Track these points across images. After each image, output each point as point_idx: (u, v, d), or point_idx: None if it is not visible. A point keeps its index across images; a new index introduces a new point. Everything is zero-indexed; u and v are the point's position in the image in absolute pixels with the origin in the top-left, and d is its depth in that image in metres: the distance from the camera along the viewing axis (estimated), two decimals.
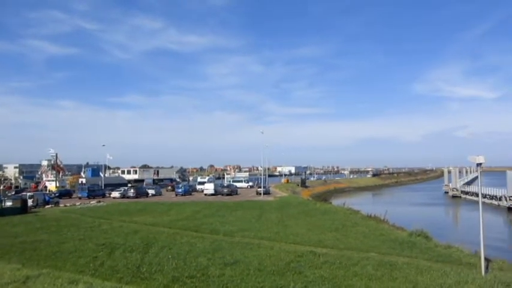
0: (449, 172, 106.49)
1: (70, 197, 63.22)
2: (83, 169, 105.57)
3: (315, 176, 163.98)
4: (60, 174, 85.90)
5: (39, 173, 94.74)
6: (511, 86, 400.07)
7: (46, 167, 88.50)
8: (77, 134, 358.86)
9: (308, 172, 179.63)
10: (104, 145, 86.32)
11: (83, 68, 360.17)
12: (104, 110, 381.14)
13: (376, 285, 13.16)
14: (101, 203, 49.73)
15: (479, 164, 15.47)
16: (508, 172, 64.92)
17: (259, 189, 64.16)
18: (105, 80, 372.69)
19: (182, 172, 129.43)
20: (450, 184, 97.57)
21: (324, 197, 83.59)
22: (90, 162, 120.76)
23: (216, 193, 63.73)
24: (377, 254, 18.58)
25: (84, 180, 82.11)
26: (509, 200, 61.49)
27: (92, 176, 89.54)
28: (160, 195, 67.14)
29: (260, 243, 20.69)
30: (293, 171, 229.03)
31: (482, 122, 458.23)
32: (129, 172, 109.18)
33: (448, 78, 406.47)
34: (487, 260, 16.41)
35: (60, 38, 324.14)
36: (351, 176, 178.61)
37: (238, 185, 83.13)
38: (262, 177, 76.83)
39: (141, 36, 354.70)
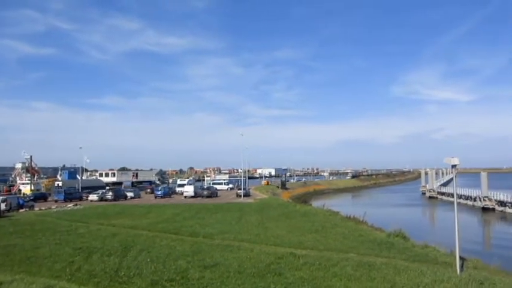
0: (426, 173, 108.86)
1: (45, 201, 61.78)
2: (59, 172, 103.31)
3: (295, 178, 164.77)
4: (35, 177, 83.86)
5: (13, 175, 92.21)
6: (485, 89, 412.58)
7: (20, 170, 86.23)
8: (53, 136, 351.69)
9: (288, 174, 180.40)
10: (81, 147, 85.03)
11: (59, 68, 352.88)
12: (81, 111, 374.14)
13: (355, 286, 13.29)
14: (78, 206, 48.79)
15: (454, 166, 15.81)
16: (482, 173, 66.73)
17: (239, 191, 64.04)
18: (82, 82, 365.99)
19: (162, 174, 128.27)
20: (427, 185, 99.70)
21: (304, 199, 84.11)
22: (67, 165, 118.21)
23: (196, 195, 63.37)
24: (356, 254, 18.78)
25: (60, 183, 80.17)
26: (484, 200, 63.17)
27: (69, 178, 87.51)
28: (139, 197, 66.35)
29: (240, 246, 20.65)
30: (273, 173, 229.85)
31: (458, 124, 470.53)
32: (107, 175, 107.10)
33: (425, 81, 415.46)
34: (462, 259, 16.79)
35: (34, 38, 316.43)
36: (331, 178, 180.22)
37: (218, 187, 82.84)
38: (242, 179, 76.77)
39: (119, 37, 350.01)
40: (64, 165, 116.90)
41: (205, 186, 77.46)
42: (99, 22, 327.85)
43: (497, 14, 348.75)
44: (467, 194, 71.71)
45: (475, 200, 67.58)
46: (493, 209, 60.63)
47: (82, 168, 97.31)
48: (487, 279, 14.47)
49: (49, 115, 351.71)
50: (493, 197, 62.34)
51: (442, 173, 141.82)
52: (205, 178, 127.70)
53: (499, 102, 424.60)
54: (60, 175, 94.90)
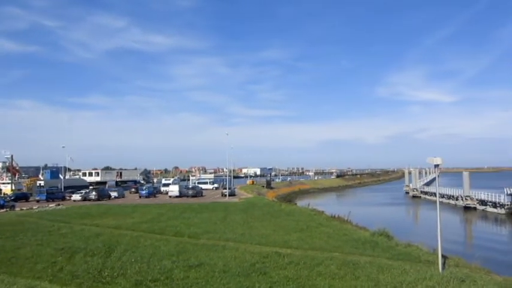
0: (409, 173, 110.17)
1: (27, 201, 60.73)
2: (41, 171, 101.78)
3: (280, 177, 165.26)
4: (16, 176, 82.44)
5: None
6: (468, 90, 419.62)
7: (0, 169, 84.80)
8: (36, 134, 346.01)
9: (273, 173, 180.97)
10: (63, 146, 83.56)
11: (42, 66, 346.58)
12: (65, 110, 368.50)
13: (339, 284, 13.39)
14: (61, 206, 48.04)
15: (436, 165, 16.04)
16: (464, 173, 67.91)
17: (225, 190, 63.98)
18: (66, 80, 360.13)
19: (146, 174, 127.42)
20: (410, 185, 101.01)
21: (289, 198, 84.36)
22: (49, 164, 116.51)
23: (181, 195, 63.03)
24: (340, 253, 18.92)
25: (42, 183, 78.95)
26: (465, 199, 64.29)
27: (51, 178, 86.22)
28: (123, 197, 65.66)
29: (225, 245, 20.62)
30: (258, 172, 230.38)
31: (442, 125, 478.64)
32: (90, 174, 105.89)
33: (409, 82, 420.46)
34: (444, 257, 17.06)
35: (17, 35, 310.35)
36: (316, 177, 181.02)
37: (204, 186, 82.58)
38: (227, 178, 76.66)
39: (104, 35, 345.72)
40: (46, 165, 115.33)
41: (190, 186, 77.16)
42: (83, 20, 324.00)
43: (480, 16, 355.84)
44: (450, 193, 72.92)
45: (457, 199, 68.77)
46: (475, 208, 61.76)
47: (65, 167, 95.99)
48: (468, 276, 14.75)
49: (32, 113, 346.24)
50: (475, 196, 63.53)
51: (426, 173, 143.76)
52: (191, 177, 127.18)
53: (481, 103, 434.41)
54: (42, 174, 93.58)
